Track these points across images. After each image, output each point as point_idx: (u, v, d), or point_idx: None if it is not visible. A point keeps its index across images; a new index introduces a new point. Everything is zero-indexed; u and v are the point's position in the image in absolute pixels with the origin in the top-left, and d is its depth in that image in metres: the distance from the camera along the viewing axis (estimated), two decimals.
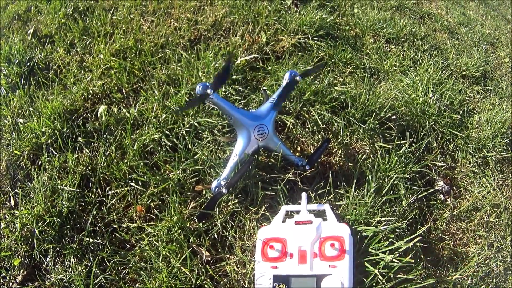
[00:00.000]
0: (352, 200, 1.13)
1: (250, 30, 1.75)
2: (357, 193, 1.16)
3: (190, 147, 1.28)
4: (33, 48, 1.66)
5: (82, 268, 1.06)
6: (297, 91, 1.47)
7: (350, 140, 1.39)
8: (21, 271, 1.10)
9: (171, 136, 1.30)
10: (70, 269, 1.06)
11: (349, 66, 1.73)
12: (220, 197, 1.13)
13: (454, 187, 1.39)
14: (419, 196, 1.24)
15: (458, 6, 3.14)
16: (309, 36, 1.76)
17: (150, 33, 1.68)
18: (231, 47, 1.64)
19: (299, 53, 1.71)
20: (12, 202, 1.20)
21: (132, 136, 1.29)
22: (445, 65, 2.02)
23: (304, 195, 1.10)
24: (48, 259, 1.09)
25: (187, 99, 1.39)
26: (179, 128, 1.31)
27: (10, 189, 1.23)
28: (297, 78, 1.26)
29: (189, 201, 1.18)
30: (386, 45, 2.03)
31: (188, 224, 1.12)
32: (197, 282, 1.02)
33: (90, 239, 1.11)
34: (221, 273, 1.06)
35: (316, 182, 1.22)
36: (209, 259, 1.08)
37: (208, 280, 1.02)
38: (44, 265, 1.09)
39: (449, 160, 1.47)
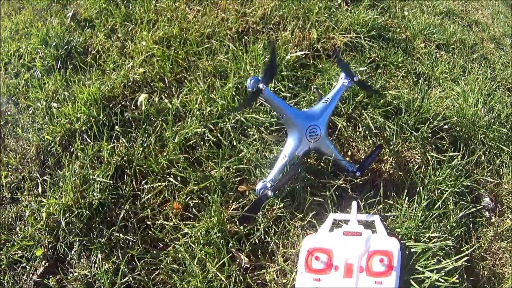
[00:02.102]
0: (403, 212, 1.25)
1: (300, 26, 1.92)
2: (407, 205, 1.27)
3: (235, 143, 1.40)
4: (72, 31, 1.90)
5: (109, 265, 1.19)
6: (350, 92, 1.61)
7: (402, 148, 1.52)
8: (43, 262, 1.25)
9: (215, 131, 1.43)
10: (96, 265, 1.20)
11: (401, 70, 1.91)
12: (265, 200, 1.24)
13: (498, 204, 1.51)
14: (467, 212, 1.38)
15: (503, 17, 3.39)
16: (361, 36, 1.93)
17: (196, 23, 1.87)
18: (280, 42, 1.79)
19: (351, 53, 1.87)
20: (40, 189, 1.37)
21: (173, 128, 1.43)
22: (493, 76, 2.20)
23: (354, 204, 1.21)
24: (73, 252, 1.24)
25: (233, 93, 1.53)
26: (224, 123, 1.44)
27: (38, 176, 1.40)
28: (354, 78, 1.42)
29: (230, 201, 1.29)
30: (436, 51, 2.24)
31: (228, 227, 1.23)
32: None
33: (121, 235, 1.24)
34: (259, 281, 1.15)
35: (366, 191, 1.32)
36: (248, 265, 1.17)
37: None
38: (68, 259, 1.24)
39: (495, 175, 1.62)
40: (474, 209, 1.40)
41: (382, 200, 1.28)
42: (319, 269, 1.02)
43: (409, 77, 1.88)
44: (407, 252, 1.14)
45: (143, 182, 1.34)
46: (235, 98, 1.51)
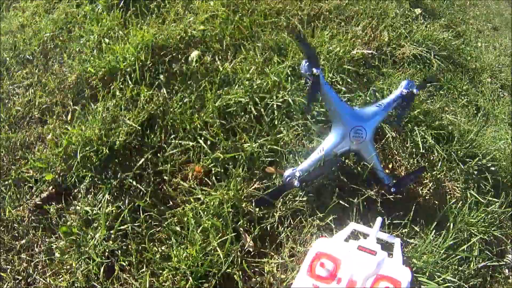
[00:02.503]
0: (426, 244, 1.19)
1: (374, 26, 1.87)
2: (433, 237, 1.21)
3: (276, 123, 1.36)
4: None
5: (113, 208, 1.18)
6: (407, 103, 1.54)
7: (445, 176, 1.45)
8: (50, 188, 1.26)
9: (259, 106, 1.39)
10: (100, 205, 1.18)
11: (463, 98, 1.87)
12: (289, 189, 1.20)
13: None
14: (488, 264, 1.30)
15: None
16: (431, 52, 1.91)
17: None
18: (350, 35, 1.75)
19: (418, 66, 1.82)
20: (69, 117, 1.39)
21: (218, 92, 1.41)
22: None
23: (379, 220, 1.15)
24: (82, 186, 1.23)
25: (288, 72, 1.48)
26: (271, 100, 1.40)
27: (71, 104, 1.42)
28: (414, 90, 1.34)
29: (254, 180, 1.24)
30: (500, 90, 2.21)
31: (244, 205, 1.18)
32: (227, 270, 1.07)
33: (134, 182, 1.23)
34: (257, 269, 1.11)
35: (396, 209, 1.26)
36: (251, 250, 1.13)
37: (240, 272, 1.08)
38: (75, 191, 1.24)
39: None
40: (496, 263, 1.32)
41: (409, 224, 1.21)
42: (321, 276, 0.97)
43: (469, 108, 1.84)
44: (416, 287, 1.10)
45: (172, 136, 1.32)
46: (289, 78, 1.46)
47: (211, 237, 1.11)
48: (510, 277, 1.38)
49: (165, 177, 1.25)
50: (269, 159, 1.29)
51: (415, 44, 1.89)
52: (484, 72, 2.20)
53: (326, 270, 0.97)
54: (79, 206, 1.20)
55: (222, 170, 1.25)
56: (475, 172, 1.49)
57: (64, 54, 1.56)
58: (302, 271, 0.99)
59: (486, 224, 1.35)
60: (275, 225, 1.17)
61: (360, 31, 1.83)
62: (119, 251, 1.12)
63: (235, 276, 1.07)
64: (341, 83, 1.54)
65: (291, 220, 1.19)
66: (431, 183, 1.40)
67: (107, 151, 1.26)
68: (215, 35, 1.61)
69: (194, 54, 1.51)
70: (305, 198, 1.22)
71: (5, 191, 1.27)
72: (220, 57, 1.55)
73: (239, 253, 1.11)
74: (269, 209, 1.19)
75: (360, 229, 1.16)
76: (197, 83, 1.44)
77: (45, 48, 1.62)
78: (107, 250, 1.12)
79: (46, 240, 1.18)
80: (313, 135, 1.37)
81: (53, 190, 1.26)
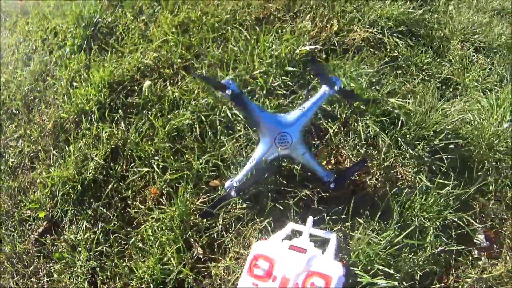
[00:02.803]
0: (365, 235, 1.29)
1: (324, 15, 1.96)
2: (378, 227, 1.32)
3: (219, 137, 1.58)
4: (104, 10, 2.17)
5: (90, 234, 1.50)
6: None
7: (395, 162, 1.51)
8: (45, 223, 1.60)
9: (205, 123, 1.62)
10: (80, 232, 1.50)
11: (423, 72, 1.87)
12: (228, 199, 1.42)
13: (495, 244, 1.43)
14: (447, 248, 1.34)
15: None
16: (385, 31, 1.93)
17: (220, 5, 2.03)
18: (296, 32, 1.88)
19: (371, 49, 1.87)
20: (52, 161, 1.71)
21: (169, 116, 1.66)
22: None
23: (310, 219, 1.29)
24: (66, 218, 1.56)
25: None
26: (215, 116, 1.63)
27: (52, 148, 1.74)
28: (335, 88, 1.45)
29: (201, 194, 1.50)
30: (474, 54, 2.09)
31: (192, 218, 1.45)
32: (181, 276, 1.34)
33: (104, 210, 1.53)
34: (207, 273, 1.37)
35: (339, 204, 1.39)
36: (201, 256, 1.39)
37: (191, 277, 1.34)
38: (62, 223, 1.57)
39: (503, 208, 1.51)
40: (458, 246, 1.35)
41: (350, 217, 1.34)
42: (258, 275, 1.14)
43: (431, 82, 1.82)
44: (350, 281, 1.20)
45: (132, 164, 1.60)
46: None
47: (166, 249, 1.39)
48: (482, 257, 1.39)
49: (128, 202, 1.54)
50: (213, 173, 1.52)
51: (367, 26, 1.92)
52: (454, 38, 2.11)
53: (262, 270, 1.14)
54: (66, 235, 1.53)
55: (173, 190, 1.51)
56: (426, 155, 1.53)
57: (42, 104, 1.88)
58: (244, 272, 1.17)
59: (439, 208, 1.38)
60: (221, 233, 1.41)
61: (310, 24, 1.93)
62: (98, 268, 1.44)
63: (187, 280, 1.34)
64: (282, 86, 1.69)
65: (234, 227, 1.41)
66: (379, 172, 1.49)
67: (80, 187, 1.57)
68: (166, 60, 1.84)
69: (146, 84, 1.76)
70: (244, 205, 1.44)
71: (13, 230, 1.62)
72: (171, 82, 1.79)
73: (190, 260, 1.37)
74: (214, 218, 1.43)
75: (297, 228, 1.32)
76: (150, 111, 1.70)
77: (27, 101, 1.95)
78: (89, 269, 1.44)
79: (47, 265, 1.52)
80: (255, 143, 1.55)
81: (47, 224, 1.60)
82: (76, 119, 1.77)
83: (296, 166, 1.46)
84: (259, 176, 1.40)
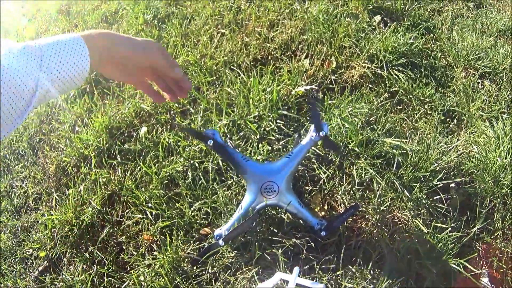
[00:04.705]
0: (357, 285, 1.33)
1: (325, 52, 2.02)
2: (371, 275, 1.36)
3: (211, 185, 1.68)
4: None
5: (86, 276, 1.59)
6: (343, 138, 1.70)
7: (392, 206, 1.53)
8: (45, 262, 1.71)
9: (198, 170, 1.72)
10: (76, 275, 1.61)
11: (425, 106, 1.87)
12: (216, 248, 1.49)
13: (501, 287, 1.40)
14: None
15: None
16: (384, 66, 1.96)
17: (219, 47, 2.13)
18: (293, 72, 1.95)
19: (370, 85, 1.91)
20: (53, 203, 1.82)
21: (164, 162, 1.76)
22: None
23: (295, 270, 1.31)
24: (65, 259, 1.67)
25: (225, 130, 1.79)
26: (208, 163, 1.72)
27: (54, 191, 1.85)
28: (321, 133, 1.41)
29: (192, 241, 1.59)
30: (479, 81, 2.06)
31: (182, 265, 1.53)
32: None
33: (100, 253, 1.63)
34: None
35: (327, 253, 1.44)
36: None
37: None
38: (61, 264, 1.68)
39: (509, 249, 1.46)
40: None
41: (341, 266, 1.36)
42: None
43: (433, 116, 1.82)
44: None
45: (127, 210, 1.70)
46: (225, 138, 1.77)
47: None
48: None
49: (123, 247, 1.64)
50: (204, 221, 1.61)
51: (367, 61, 1.98)
52: (458, 65, 2.09)
53: None
54: (64, 275, 1.64)
55: (165, 237, 1.60)
56: (424, 196, 1.52)
57: (46, 146, 2.01)
58: None
59: (437, 254, 1.38)
60: (210, 281, 1.48)
61: (307, 63, 2.03)
62: None
63: None
64: (277, 131, 1.77)
65: (223, 275, 1.48)
66: (375, 217, 1.51)
67: (78, 230, 1.68)
68: (163, 105, 1.94)
69: (143, 130, 1.86)
70: (233, 254, 1.51)
71: (15, 267, 1.74)
72: (168, 127, 1.89)
73: None
74: (204, 266, 1.50)
75: (286, 278, 1.32)
76: (145, 157, 1.80)
77: (33, 143, 2.08)
78: None
79: None
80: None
81: (47, 264, 1.71)
82: (77, 163, 1.88)
83: (286, 214, 1.52)
84: (247, 225, 1.42)
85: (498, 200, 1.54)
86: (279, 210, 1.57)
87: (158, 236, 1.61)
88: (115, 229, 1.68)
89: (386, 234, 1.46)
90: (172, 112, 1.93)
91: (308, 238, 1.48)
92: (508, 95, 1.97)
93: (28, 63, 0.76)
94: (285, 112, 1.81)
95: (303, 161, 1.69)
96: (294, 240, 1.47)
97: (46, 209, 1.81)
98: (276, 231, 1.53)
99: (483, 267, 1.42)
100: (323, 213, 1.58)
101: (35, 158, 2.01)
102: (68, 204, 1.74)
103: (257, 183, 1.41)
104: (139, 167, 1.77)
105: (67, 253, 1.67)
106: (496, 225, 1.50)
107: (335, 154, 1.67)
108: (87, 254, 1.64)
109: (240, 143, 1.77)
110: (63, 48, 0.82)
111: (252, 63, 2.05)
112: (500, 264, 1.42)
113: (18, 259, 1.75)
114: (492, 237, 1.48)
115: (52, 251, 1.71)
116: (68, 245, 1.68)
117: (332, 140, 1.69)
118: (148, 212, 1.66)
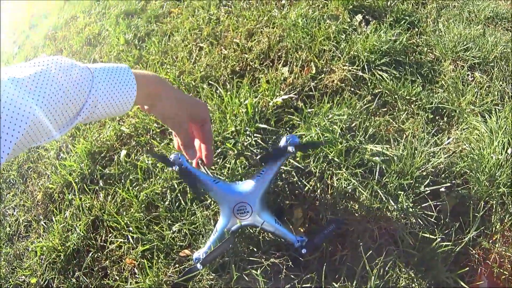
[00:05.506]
0: None
1: (303, 58, 2.01)
2: None
3: (189, 206, 1.71)
4: None
5: None
6: (322, 149, 1.67)
7: (379, 216, 1.47)
8: None
9: (176, 190, 1.75)
10: None
11: (412, 105, 1.81)
12: (195, 271, 1.51)
13: None
14: None
15: None
16: (365, 67, 1.92)
17: (197, 62, 2.15)
18: (271, 82, 1.94)
19: (351, 89, 1.89)
20: (41, 230, 1.89)
21: (144, 185, 1.80)
22: None
23: None
24: (54, 285, 1.73)
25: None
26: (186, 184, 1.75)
27: (42, 218, 1.92)
28: (289, 148, 1.36)
29: (172, 264, 1.63)
30: (468, 73, 1.98)
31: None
32: None
33: (86, 278, 1.69)
34: None
35: (309, 270, 1.42)
36: None
37: None
38: None
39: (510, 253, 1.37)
40: None
41: (323, 284, 1.33)
42: None
43: (421, 114, 1.76)
44: None
45: (110, 234, 1.75)
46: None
47: None
48: None
49: (108, 271, 1.69)
50: (184, 243, 1.64)
51: (347, 63, 1.94)
52: (445, 58, 2.03)
53: None
54: None
55: (146, 260, 1.65)
56: (411, 205, 1.45)
57: (34, 174, 2.07)
58: None
59: (426, 265, 1.31)
60: None
61: (286, 70, 2.03)
62: None
63: None
64: (254, 145, 1.78)
65: None
66: (360, 229, 1.46)
67: (63, 257, 1.74)
68: (143, 127, 1.98)
69: (122, 154, 1.90)
70: (212, 276, 1.52)
71: None
72: (147, 149, 1.93)
73: None
74: None
75: None
76: (125, 181, 1.85)
77: (22, 171, 2.15)
78: None
79: None
80: None
81: None
82: (62, 190, 1.94)
83: (265, 232, 1.52)
84: (224, 247, 1.42)
85: (495, 200, 1.46)
86: (255, 231, 1.57)
87: (139, 259, 1.66)
88: (100, 253, 1.73)
89: (372, 247, 1.41)
90: (151, 132, 1.96)
91: (287, 257, 1.46)
92: (500, 85, 1.89)
93: (83, 76, 0.87)
94: (262, 126, 1.81)
95: (282, 175, 1.70)
96: (272, 259, 1.46)
97: (36, 236, 1.88)
98: (255, 250, 1.53)
99: (483, 275, 1.33)
100: (303, 229, 1.56)
101: (25, 186, 2.09)
102: (55, 231, 1.80)
103: (229, 205, 1.39)
104: (120, 190, 1.82)
105: (56, 279, 1.74)
106: (494, 228, 1.42)
107: (319, 147, 1.65)
108: (74, 280, 1.70)
109: (218, 160, 1.79)
110: (112, 73, 0.95)
111: (230, 76, 2.07)
112: (501, 270, 1.33)
113: (12, 286, 1.83)
114: (490, 242, 1.39)
115: (42, 277, 1.78)
116: (56, 271, 1.74)
117: (306, 142, 1.68)
118: (129, 236, 1.70)
